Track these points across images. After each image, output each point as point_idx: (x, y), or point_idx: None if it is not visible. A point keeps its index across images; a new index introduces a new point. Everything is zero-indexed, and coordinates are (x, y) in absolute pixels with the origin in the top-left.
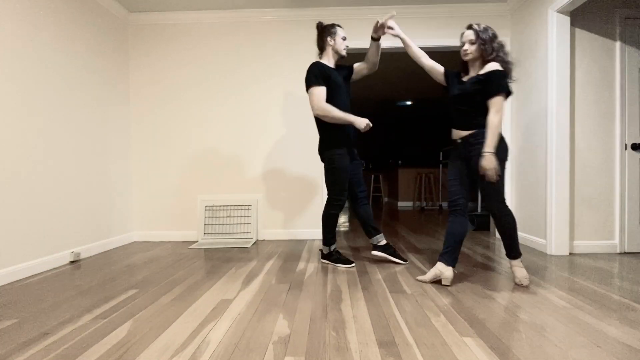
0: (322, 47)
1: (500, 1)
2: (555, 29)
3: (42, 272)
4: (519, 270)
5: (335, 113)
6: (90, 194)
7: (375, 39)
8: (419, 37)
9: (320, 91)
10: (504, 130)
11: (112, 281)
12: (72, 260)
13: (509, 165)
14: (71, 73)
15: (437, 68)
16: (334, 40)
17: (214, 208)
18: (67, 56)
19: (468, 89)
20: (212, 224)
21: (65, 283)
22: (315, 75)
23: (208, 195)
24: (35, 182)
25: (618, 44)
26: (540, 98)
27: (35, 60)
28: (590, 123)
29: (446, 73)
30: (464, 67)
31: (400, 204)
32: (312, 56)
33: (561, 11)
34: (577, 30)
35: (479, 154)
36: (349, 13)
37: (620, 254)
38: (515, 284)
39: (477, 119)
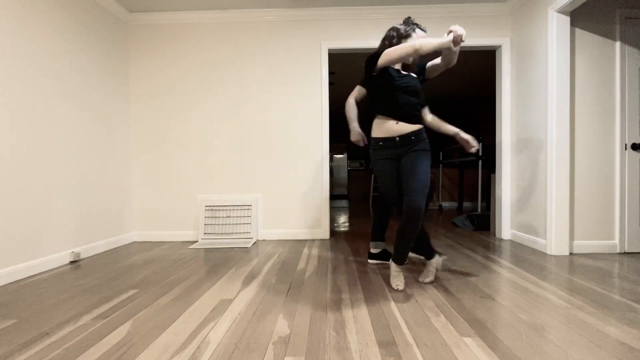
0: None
1: (500, 1)
2: (555, 29)
3: (42, 272)
4: (398, 275)
5: (347, 113)
6: (91, 194)
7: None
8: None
9: (357, 88)
10: (504, 130)
11: (112, 281)
12: (72, 260)
13: (508, 163)
14: (70, 73)
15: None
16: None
17: (214, 208)
18: (66, 56)
19: (416, 83)
20: (212, 224)
21: (65, 283)
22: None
23: (208, 195)
24: (35, 182)
25: (618, 44)
26: (540, 98)
27: (34, 60)
28: (590, 123)
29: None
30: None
31: None
32: (313, 55)
33: (561, 11)
34: (577, 30)
35: (418, 150)
36: (350, 13)
37: (620, 254)
38: (392, 287)
39: (421, 116)
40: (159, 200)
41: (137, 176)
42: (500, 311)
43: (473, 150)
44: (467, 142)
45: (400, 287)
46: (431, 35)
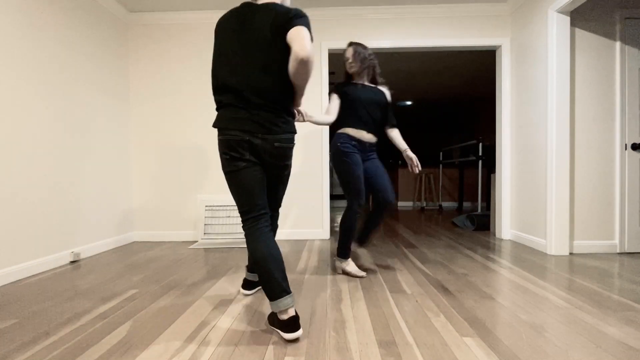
0: None
1: (500, 1)
2: (555, 29)
3: (42, 272)
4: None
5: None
6: (90, 193)
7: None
8: (418, 37)
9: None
10: (504, 130)
11: (112, 281)
12: (72, 260)
13: (508, 163)
14: (70, 73)
15: (333, 108)
16: None
17: (214, 208)
18: (66, 56)
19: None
20: (212, 224)
21: (65, 283)
22: None
23: (208, 195)
24: (35, 182)
25: (618, 44)
26: (540, 98)
27: (34, 60)
28: (590, 123)
29: (337, 90)
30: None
31: (400, 204)
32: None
33: (561, 11)
34: (577, 30)
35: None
36: (350, 13)
37: (620, 254)
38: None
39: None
40: (159, 200)
41: (137, 176)
42: (500, 311)
43: (415, 170)
44: (411, 160)
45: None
46: (432, 35)
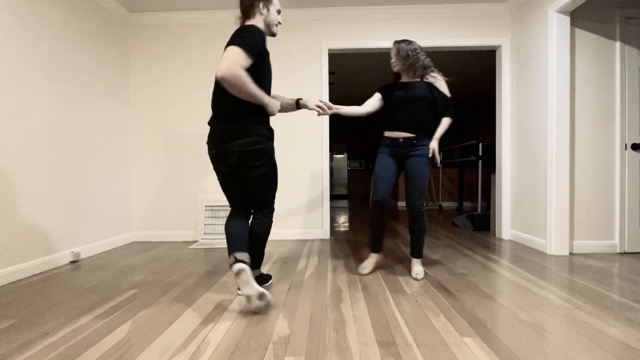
0: (248, 12)
1: (500, 1)
2: (555, 29)
3: (42, 272)
4: (418, 266)
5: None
6: (90, 193)
7: (298, 107)
8: (418, 37)
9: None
10: (504, 130)
11: (112, 281)
12: (72, 260)
13: (508, 163)
14: (70, 73)
15: (373, 102)
16: (268, 9)
17: (214, 208)
18: (66, 56)
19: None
20: (212, 224)
21: (65, 283)
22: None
23: (208, 195)
24: (35, 181)
25: (618, 44)
26: (540, 98)
27: (33, 60)
28: (590, 123)
29: (380, 90)
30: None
31: (400, 204)
32: (313, 55)
33: (561, 11)
34: (577, 30)
35: (420, 155)
36: (350, 13)
37: (620, 254)
38: (412, 277)
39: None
40: (159, 200)
41: (137, 176)
42: (500, 311)
43: (436, 162)
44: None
45: (418, 277)
46: (433, 35)
